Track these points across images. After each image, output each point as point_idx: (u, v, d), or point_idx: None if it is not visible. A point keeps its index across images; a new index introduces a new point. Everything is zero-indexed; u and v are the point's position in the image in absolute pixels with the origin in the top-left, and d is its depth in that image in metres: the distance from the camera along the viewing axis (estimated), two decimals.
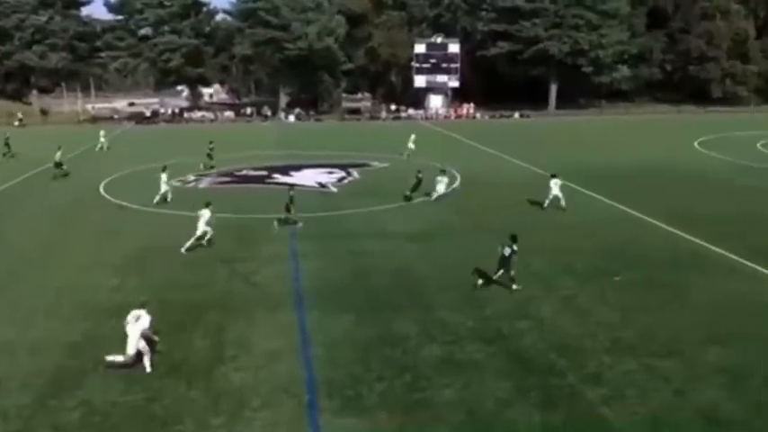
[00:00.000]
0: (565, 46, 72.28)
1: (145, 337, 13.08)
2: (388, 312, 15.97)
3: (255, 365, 13.42)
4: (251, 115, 76.85)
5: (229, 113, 78.72)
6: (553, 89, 77.53)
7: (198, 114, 77.59)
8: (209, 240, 21.44)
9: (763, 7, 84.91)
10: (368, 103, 77.91)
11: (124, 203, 28.57)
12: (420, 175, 28.66)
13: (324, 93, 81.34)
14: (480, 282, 17.61)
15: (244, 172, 36.68)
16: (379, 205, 27.44)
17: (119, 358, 12.99)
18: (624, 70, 77.69)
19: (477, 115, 74.19)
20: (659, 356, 13.63)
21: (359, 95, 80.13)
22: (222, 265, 19.78)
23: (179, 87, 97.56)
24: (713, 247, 21.00)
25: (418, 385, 12.58)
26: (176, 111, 79.20)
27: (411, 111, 75.24)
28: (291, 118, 73.73)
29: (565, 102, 77.27)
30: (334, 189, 31.82)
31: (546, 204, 26.51)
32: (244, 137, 56.03)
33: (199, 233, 21.06)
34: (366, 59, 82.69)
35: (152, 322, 13.26)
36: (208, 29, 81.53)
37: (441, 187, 28.37)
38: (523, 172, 35.60)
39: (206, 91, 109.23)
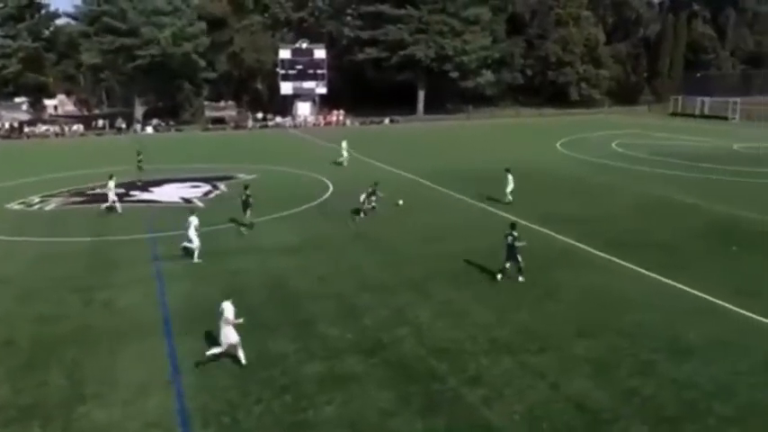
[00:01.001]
0: (431, 51, 74.82)
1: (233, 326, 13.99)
2: (265, 331, 15.76)
3: (122, 400, 12.73)
4: (103, 128, 72.82)
5: (78, 127, 74.03)
6: (421, 94, 80.00)
7: (42, 128, 72.35)
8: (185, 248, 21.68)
9: (611, 14, 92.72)
10: (233, 112, 76.33)
11: None
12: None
13: (184, 101, 78.67)
14: (500, 276, 18.91)
15: (97, 190, 34.65)
16: (252, 218, 26.90)
17: (216, 350, 13.99)
18: (488, 75, 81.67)
19: (348, 122, 74.98)
20: (534, 353, 14.45)
21: (223, 104, 78.30)
22: (75, 294, 18.56)
23: (18, 99, 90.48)
24: (579, 244, 22.58)
25: (299, 405, 12.50)
26: (15, 125, 73.37)
27: (279, 119, 74.67)
28: (149, 129, 70.71)
29: (433, 107, 79.96)
30: (201, 204, 30.89)
31: (507, 200, 28.93)
32: (95, 152, 53.03)
33: (196, 243, 21.33)
34: (229, 65, 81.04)
35: (234, 313, 13.99)
36: (47, 32, 76.47)
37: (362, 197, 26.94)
38: (395, 177, 36.41)
39: (50, 103, 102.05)
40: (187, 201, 31.70)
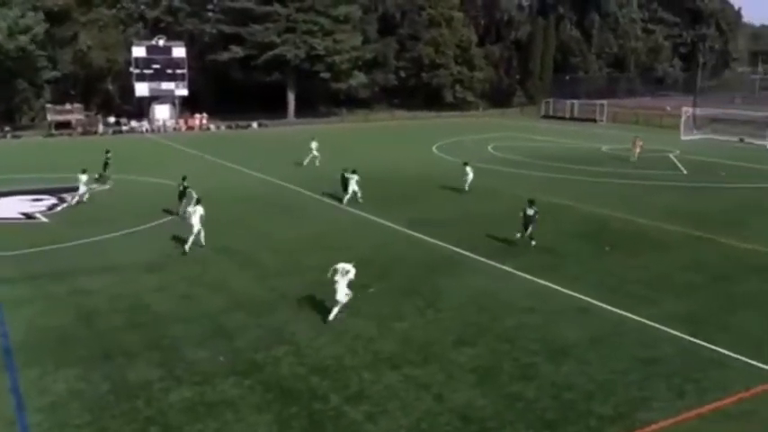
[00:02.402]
0: (301, 51, 74.64)
1: (349, 287, 16.79)
2: (123, 358, 15.05)
3: None
4: None
5: None
6: (291, 97, 79.60)
7: None
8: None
9: (483, 15, 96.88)
10: (80, 116, 72.24)
11: None
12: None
13: (23, 104, 73.45)
14: (519, 234, 23.67)
15: None
16: (104, 234, 25.64)
17: (336, 309, 16.83)
18: (361, 76, 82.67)
19: (212, 126, 73.17)
20: (417, 365, 14.77)
21: (69, 106, 73.88)
22: None
23: None
24: (459, 249, 23.37)
25: None
26: None
27: (134, 123, 71.52)
28: None
29: (304, 110, 79.81)
30: (45, 219, 28.98)
31: (466, 188, 33.70)
32: None
33: (196, 229, 23.09)
34: (75, 64, 76.69)
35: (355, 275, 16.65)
36: None
37: None
38: (265, 185, 35.97)
39: None
40: (28, 216, 29.65)
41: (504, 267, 21.59)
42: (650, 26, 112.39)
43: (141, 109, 73.48)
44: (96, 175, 35.81)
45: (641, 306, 18.22)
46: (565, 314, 17.76)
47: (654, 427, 12.39)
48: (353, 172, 31.42)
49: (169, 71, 72.02)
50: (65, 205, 31.73)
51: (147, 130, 69.80)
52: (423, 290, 19.42)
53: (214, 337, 16.23)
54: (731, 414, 12.90)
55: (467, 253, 23.05)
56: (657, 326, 16.91)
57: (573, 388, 13.75)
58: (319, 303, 18.39)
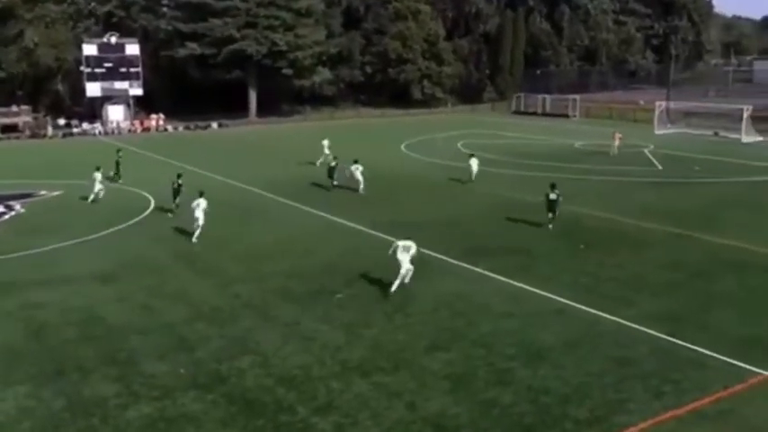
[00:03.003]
0: (262, 47, 74.24)
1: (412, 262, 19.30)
2: (78, 374, 14.82)
3: None
4: None
5: None
6: (253, 95, 79.13)
7: None
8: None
9: (451, 8, 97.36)
10: (28, 118, 70.95)
11: None
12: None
13: None
14: (551, 215, 26.41)
15: None
16: (55, 243, 25.21)
17: (397, 281, 19.20)
18: (325, 72, 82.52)
19: (169, 127, 72.41)
20: (388, 372, 14.77)
21: (15, 108, 72.51)
22: None
23: None
24: (430, 252, 23.38)
25: None
26: None
27: (86, 125, 70.45)
28: None
29: (266, 108, 79.38)
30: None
31: (472, 177, 36.34)
32: None
33: (201, 222, 25.09)
34: (21, 63, 75.27)
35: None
36: None
37: None
38: (228, 188, 35.67)
39: None
40: None
41: (477, 269, 21.71)
42: (621, 18, 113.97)
43: (93, 110, 72.39)
44: (111, 174, 37.08)
45: (618, 306, 18.45)
46: (540, 317, 17.91)
47: (631, 429, 12.54)
48: (355, 162, 34.45)
49: (122, 70, 71.11)
50: (12, 213, 31.15)
51: (99, 133, 68.81)
52: (392, 295, 19.43)
53: (174, 349, 16.05)
54: (709, 415, 13.12)
55: (438, 255, 23.12)
56: (634, 326, 17.14)
57: (549, 392, 13.87)
58: (286, 311, 18.31)
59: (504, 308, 18.54)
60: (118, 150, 40.41)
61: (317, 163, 41.95)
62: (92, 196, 32.28)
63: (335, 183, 35.08)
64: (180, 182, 29.66)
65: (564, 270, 21.82)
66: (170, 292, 20.03)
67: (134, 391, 14.06)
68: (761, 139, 54.65)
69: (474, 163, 37.02)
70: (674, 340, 16.32)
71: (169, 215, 29.12)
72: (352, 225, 27.63)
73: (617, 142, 47.21)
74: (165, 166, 45.41)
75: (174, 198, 29.33)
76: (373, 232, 26.34)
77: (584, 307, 18.43)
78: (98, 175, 32.58)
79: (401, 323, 17.55)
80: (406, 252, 19.33)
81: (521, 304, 18.86)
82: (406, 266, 19.31)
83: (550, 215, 26.52)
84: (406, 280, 19.48)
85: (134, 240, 25.97)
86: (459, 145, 52.36)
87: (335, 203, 31.13)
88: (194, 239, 25.18)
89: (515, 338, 16.48)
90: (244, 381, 14.50)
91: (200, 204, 25.39)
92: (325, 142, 43.52)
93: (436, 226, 27.18)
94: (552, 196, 26.55)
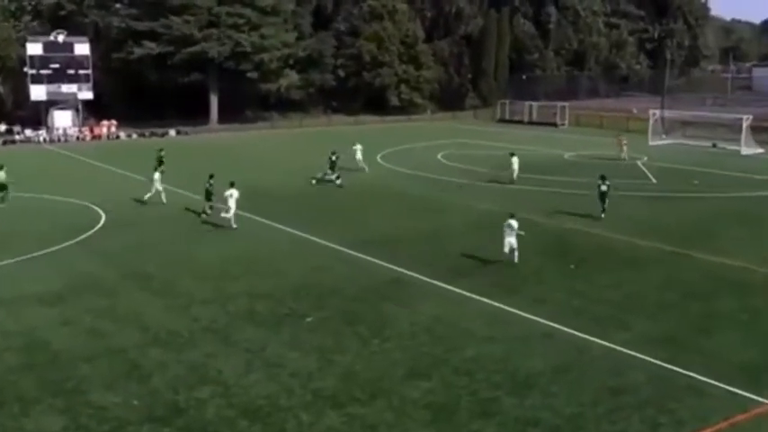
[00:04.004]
0: (225, 48, 74.13)
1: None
2: (19, 405, 14.60)
3: None
4: None
5: None
6: (214, 100, 78.88)
7: None
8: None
9: (430, 8, 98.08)
10: None
11: None
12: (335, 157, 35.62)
13: None
14: (603, 207, 30.67)
15: None
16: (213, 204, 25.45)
17: (516, 253, 23.77)
18: (293, 76, 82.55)
19: (122, 134, 71.94)
20: (363, 403, 14.71)
21: None
22: None
23: None
24: (407, 271, 23.44)
25: None
26: None
27: (29, 131, 69.74)
28: None
29: (229, 114, 79.12)
30: None
31: (514, 177, 39.99)
32: None
33: (233, 211, 29.27)
34: None
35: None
36: None
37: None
38: (183, 201, 35.44)
39: None
40: None
41: (458, 290, 21.75)
42: (613, 20, 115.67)
43: (38, 115, 71.66)
44: (162, 170, 38.96)
45: (610, 329, 18.60)
46: (527, 341, 17.97)
47: None
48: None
49: (71, 71, 70.58)
50: None
51: (44, 140, 68.15)
52: (367, 318, 19.39)
53: (127, 378, 15.88)
54: None
55: (416, 275, 23.14)
56: (628, 351, 17.27)
57: (538, 423, 13.89)
58: (250, 336, 18.17)
59: (488, 332, 18.57)
60: (160, 150, 44.12)
61: (364, 168, 44.57)
62: (163, 197, 34.88)
63: (339, 182, 39.30)
64: (212, 182, 31.88)
65: (552, 290, 21.95)
66: (122, 315, 19.81)
67: (82, 425, 13.88)
68: (761, 151, 55.60)
69: (515, 162, 39.84)
70: (672, 366, 16.45)
71: (203, 216, 31.37)
72: (322, 241, 27.58)
73: (624, 147, 49.96)
74: (117, 177, 45.10)
75: (208, 199, 31.65)
76: (344, 249, 26.32)
77: (574, 331, 18.52)
78: (157, 176, 35.41)
79: (377, 349, 17.50)
80: (512, 230, 23.70)
81: (506, 328, 18.91)
82: (513, 241, 23.70)
83: (603, 206, 30.67)
84: (517, 253, 23.84)
85: (82, 258, 25.69)
86: (439, 156, 52.60)
87: (305, 218, 31.07)
88: (234, 225, 29.23)
89: (500, 365, 16.51)
90: (204, 412, 14.36)
91: (233, 194, 29.31)
92: (358, 146, 45.49)
93: (414, 243, 27.24)
94: (603, 188, 30.60)
